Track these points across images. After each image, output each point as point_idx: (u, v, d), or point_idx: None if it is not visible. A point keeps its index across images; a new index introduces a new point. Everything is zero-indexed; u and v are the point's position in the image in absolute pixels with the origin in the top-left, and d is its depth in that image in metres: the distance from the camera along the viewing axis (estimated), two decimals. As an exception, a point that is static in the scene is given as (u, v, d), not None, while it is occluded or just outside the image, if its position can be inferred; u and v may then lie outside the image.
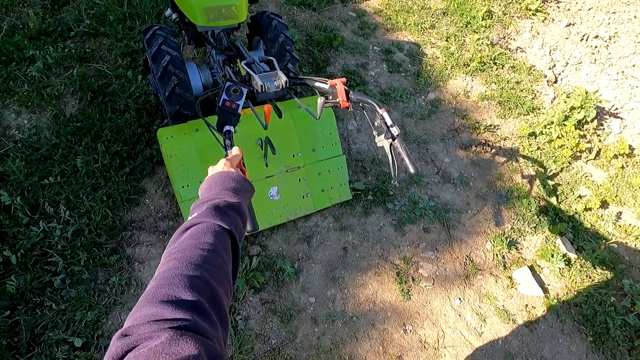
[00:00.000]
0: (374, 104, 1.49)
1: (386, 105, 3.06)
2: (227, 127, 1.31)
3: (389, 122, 1.43)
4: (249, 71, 1.63)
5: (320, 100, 1.57)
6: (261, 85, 1.56)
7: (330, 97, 1.59)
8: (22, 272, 1.86)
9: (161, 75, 2.01)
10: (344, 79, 1.60)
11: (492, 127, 3.06)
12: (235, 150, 1.07)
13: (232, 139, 1.27)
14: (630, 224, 2.59)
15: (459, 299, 2.17)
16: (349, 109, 1.60)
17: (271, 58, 1.77)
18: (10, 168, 2.17)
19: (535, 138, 2.98)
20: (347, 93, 1.57)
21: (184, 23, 2.35)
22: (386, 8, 3.87)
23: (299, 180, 2.25)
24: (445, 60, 3.49)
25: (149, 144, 2.44)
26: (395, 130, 1.42)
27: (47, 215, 2.07)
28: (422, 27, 3.76)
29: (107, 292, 1.94)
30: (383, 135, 1.45)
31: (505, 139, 2.99)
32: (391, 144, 1.43)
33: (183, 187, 2.01)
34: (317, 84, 1.67)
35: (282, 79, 1.61)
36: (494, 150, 2.89)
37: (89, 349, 1.77)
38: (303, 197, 2.27)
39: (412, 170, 1.38)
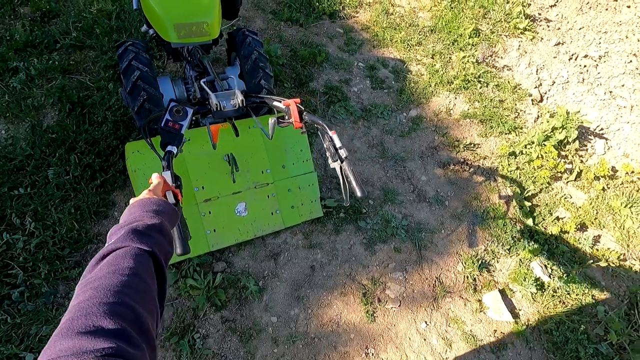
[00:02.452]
0: (324, 125, 1.47)
1: (368, 122, 3.05)
2: (169, 148, 1.30)
3: (338, 144, 1.41)
4: (206, 89, 1.62)
5: (271, 120, 1.56)
6: (216, 104, 1.55)
7: (286, 117, 1.58)
8: (-20, 284, 1.84)
9: (130, 89, 2.02)
10: (298, 100, 1.58)
11: (472, 145, 3.02)
12: (154, 178, 1.05)
13: (171, 160, 1.26)
14: (608, 248, 2.52)
15: (425, 322, 2.12)
16: (302, 129, 1.58)
17: (231, 77, 1.76)
18: (-19, 178, 2.18)
19: (515, 158, 2.94)
20: (300, 114, 1.55)
21: (160, 39, 2.37)
22: (374, 25, 3.89)
23: (268, 196, 2.23)
24: (430, 78, 3.48)
25: (122, 156, 2.44)
26: (343, 153, 1.39)
27: (13, 226, 2.07)
28: (408, 44, 3.76)
29: (66, 306, 1.91)
30: (331, 155, 1.43)
31: (484, 158, 2.95)
32: (340, 167, 1.40)
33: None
34: (275, 103, 1.66)
35: (239, 98, 1.60)
36: (472, 170, 2.85)
37: (41, 364, 1.74)
38: (272, 213, 2.24)
39: (358, 194, 1.36)
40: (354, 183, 1.35)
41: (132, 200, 0.97)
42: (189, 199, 2.05)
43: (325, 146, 1.46)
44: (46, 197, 2.19)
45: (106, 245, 0.78)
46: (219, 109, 1.57)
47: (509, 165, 2.87)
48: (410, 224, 2.50)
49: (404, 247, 2.39)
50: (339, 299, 2.14)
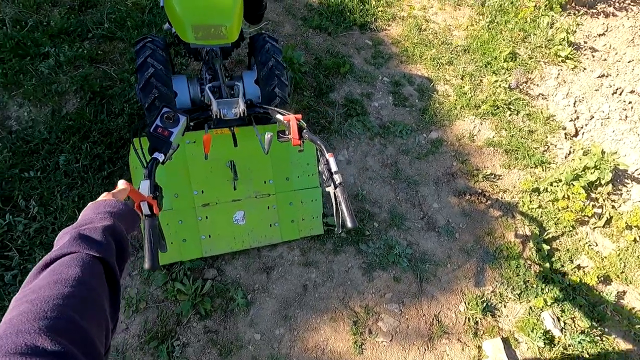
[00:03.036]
0: (322, 146, 1.38)
1: (385, 140, 2.93)
2: (155, 154, 1.25)
3: (334, 169, 1.32)
4: (209, 95, 1.57)
5: (268, 135, 1.49)
6: (216, 112, 1.50)
7: (286, 132, 1.51)
8: (-23, 262, 1.87)
9: (143, 86, 2.01)
10: (299, 116, 1.50)
11: (493, 176, 2.83)
12: (121, 184, 0.99)
13: (155, 169, 1.21)
14: (633, 307, 2.27)
15: (417, 362, 1.97)
16: (300, 147, 1.50)
17: (237, 84, 1.71)
18: (-4, 157, 2.24)
19: (539, 195, 2.73)
20: (300, 130, 1.47)
21: (180, 38, 2.36)
22: (404, 39, 3.77)
23: (268, 207, 2.16)
24: (456, 100, 3.32)
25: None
26: (337, 178, 1.30)
27: (18, 208, 2.10)
28: (438, 62, 3.61)
29: (54, 295, 1.91)
30: (326, 179, 1.34)
31: (504, 192, 2.76)
32: (334, 192, 1.31)
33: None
34: (277, 115, 1.59)
35: (241, 107, 1.54)
36: (489, 202, 2.67)
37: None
38: (270, 225, 2.17)
39: (349, 224, 1.26)
40: (345, 212, 1.26)
41: (89, 204, 0.91)
42: (187, 201, 2.01)
43: (319, 169, 1.37)
44: (54, 183, 2.22)
45: (51, 251, 0.70)
46: (219, 116, 1.52)
47: (530, 202, 2.67)
48: (414, 253, 2.36)
49: (404, 277, 2.26)
50: (328, 324, 2.04)
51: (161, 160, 1.25)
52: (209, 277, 2.07)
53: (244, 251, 2.17)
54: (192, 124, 1.53)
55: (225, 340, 1.91)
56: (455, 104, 3.28)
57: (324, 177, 1.35)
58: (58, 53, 2.81)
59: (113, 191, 0.96)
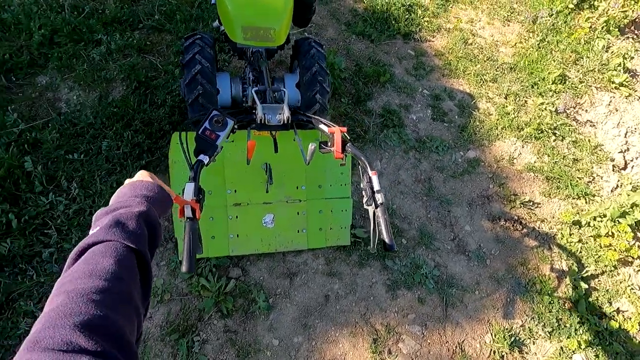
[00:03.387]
0: (366, 164, 1.34)
1: (420, 155, 2.85)
2: (201, 157, 1.25)
3: (376, 187, 1.28)
4: (255, 99, 1.57)
5: (311, 146, 1.46)
6: (261, 117, 1.49)
7: (329, 144, 1.48)
8: (19, 237, 1.95)
9: (189, 82, 2.04)
10: (345, 129, 1.47)
11: (531, 204, 2.70)
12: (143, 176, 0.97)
13: (199, 171, 1.21)
14: (675, 362, 2.11)
15: (435, 390, 1.90)
16: (343, 161, 1.47)
17: (283, 89, 1.70)
18: (45, 137, 2.33)
19: (580, 228, 2.58)
20: (344, 144, 1.44)
21: (228, 36, 2.38)
22: (449, 52, 3.67)
23: (298, 213, 2.14)
24: (498, 119, 3.19)
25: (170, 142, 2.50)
26: (379, 198, 1.26)
27: (60, 188, 2.18)
28: (482, 79, 3.49)
29: (86, 277, 1.97)
30: (367, 198, 1.30)
31: (542, 221, 2.63)
32: (374, 211, 1.27)
33: (179, 194, 1.99)
34: (321, 125, 1.56)
35: (285, 114, 1.53)
36: (525, 231, 2.55)
37: (50, 327, 1.80)
38: (298, 231, 2.16)
39: (387, 246, 1.21)
40: (384, 233, 1.22)
41: (126, 181, 0.91)
42: (220, 199, 2.02)
43: (362, 185, 1.33)
44: (95, 167, 2.29)
45: (90, 232, 0.72)
46: (263, 121, 1.51)
47: (570, 235, 2.53)
48: (441, 275, 2.28)
49: (429, 299, 2.18)
50: (347, 339, 2.00)
51: (206, 163, 1.26)
52: (233, 276, 2.08)
53: (269, 254, 2.17)
54: (236, 126, 1.53)
55: (243, 341, 1.91)
56: (496, 123, 3.16)
57: (364, 195, 1.31)
58: (110, 41, 2.90)
59: (152, 174, 0.95)
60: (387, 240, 1.20)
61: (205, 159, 1.25)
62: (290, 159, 2.11)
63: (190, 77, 2.03)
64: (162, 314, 1.93)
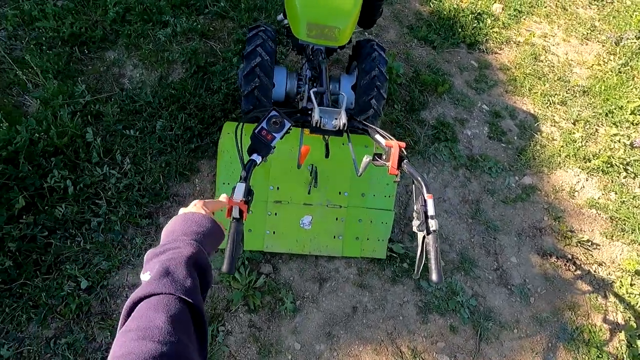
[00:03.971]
0: (423, 185, 1.25)
1: (470, 174, 2.69)
2: (254, 156, 1.22)
3: (431, 212, 1.19)
4: (313, 101, 1.52)
5: (366, 158, 1.39)
6: (317, 120, 1.44)
7: (383, 157, 1.40)
8: (73, 203, 2.06)
9: (247, 74, 2.03)
10: (404, 144, 1.38)
11: (589, 244, 2.46)
12: (222, 198, 0.97)
13: (252, 171, 1.18)
14: None
15: None
16: (397, 177, 1.38)
17: (342, 94, 1.63)
18: (107, 110, 2.44)
19: (643, 280, 2.32)
20: (400, 160, 1.35)
21: (291, 31, 2.35)
22: (515, 67, 3.42)
23: (336, 219, 2.09)
24: (562, 146, 2.93)
25: (220, 129, 2.52)
26: (433, 224, 1.17)
27: (114, 162, 2.27)
28: (549, 100, 3.22)
29: (127, 250, 2.04)
30: (419, 223, 1.21)
31: (600, 265, 2.39)
32: (424, 237, 1.18)
33: (223, 183, 2.01)
34: (377, 137, 1.48)
35: (342, 120, 1.46)
36: (579, 272, 2.33)
37: (90, 293, 1.89)
38: (334, 237, 2.10)
39: (434, 278, 1.13)
40: (432, 263, 1.13)
41: (180, 211, 0.90)
42: (261, 194, 2.01)
43: (415, 208, 1.25)
44: (148, 145, 2.37)
45: (142, 276, 0.72)
46: (319, 125, 1.47)
47: (631, 285, 2.27)
48: (478, 306, 2.14)
49: (462, 329, 2.06)
50: (370, 355, 1.93)
51: (258, 162, 1.23)
52: (264, 272, 2.07)
53: (302, 255, 2.13)
54: (291, 127, 1.50)
55: (266, 339, 1.89)
56: (559, 150, 2.91)
57: (416, 218, 1.23)
58: (176, 23, 2.97)
59: (206, 200, 0.93)
60: (434, 272, 1.11)
61: (258, 158, 1.22)
62: (337, 163, 2.05)
63: (249, 69, 2.02)
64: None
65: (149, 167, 2.29)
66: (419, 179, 1.27)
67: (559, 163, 2.83)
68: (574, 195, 2.69)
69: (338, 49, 2.57)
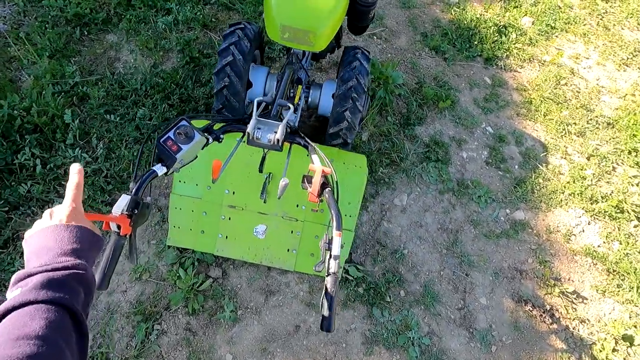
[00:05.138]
0: (334, 220, 1.13)
1: (456, 200, 2.49)
2: (157, 167, 1.15)
3: (335, 252, 1.07)
4: (254, 110, 1.43)
5: (283, 181, 1.28)
6: (249, 133, 1.35)
7: (312, 181, 1.29)
8: (40, 181, 2.10)
9: (217, 71, 1.98)
10: (329, 171, 1.26)
11: (575, 296, 2.21)
12: (74, 169, 0.81)
13: (145, 184, 1.10)
14: None
15: None
16: (316, 206, 1.27)
17: (289, 105, 1.52)
18: (94, 93, 2.47)
19: (630, 346, 2.04)
20: (323, 187, 1.23)
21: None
22: (534, 89, 3.12)
23: (292, 232, 1.99)
24: (569, 182, 2.65)
25: (199, 123, 2.49)
26: (332, 266, 1.05)
27: (89, 145, 2.30)
28: (565, 129, 2.92)
29: (84, 234, 2.06)
30: (320, 261, 1.10)
31: (582, 322, 2.13)
32: (325, 280, 1.07)
33: (180, 181, 1.97)
34: (313, 156, 1.37)
35: (277, 135, 1.36)
36: (555, 326, 2.09)
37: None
38: (288, 250, 2.01)
39: (324, 328, 1.01)
40: (325, 309, 1.01)
41: (38, 224, 0.76)
42: (216, 196, 1.96)
43: (319, 243, 1.13)
44: (125, 132, 2.38)
45: (8, 294, 0.64)
46: (251, 137, 1.37)
47: (613, 351, 2.01)
48: (431, 345, 1.98)
49: (407, 368, 1.91)
50: (301, 379, 1.84)
51: (159, 174, 1.16)
52: (212, 276, 2.02)
53: (255, 264, 2.06)
54: (222, 137, 1.41)
55: (199, 346, 1.85)
56: (564, 187, 2.62)
57: (321, 254, 1.11)
58: (179, 12, 2.96)
59: (74, 201, 0.79)
60: (324, 320, 1.00)
61: (160, 170, 1.15)
62: (296, 173, 1.95)
63: (220, 67, 1.96)
64: (136, 292, 1.95)
65: (123, 154, 2.30)
66: (333, 212, 1.15)
67: (561, 201, 2.56)
68: (569, 239, 2.42)
69: (325, 53, 2.46)
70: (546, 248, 2.36)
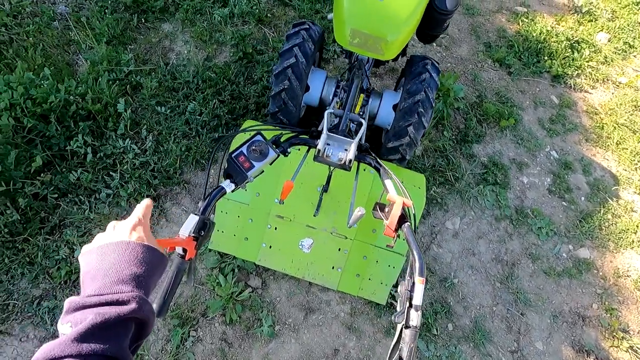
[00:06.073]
0: (417, 264, 0.99)
1: (514, 229, 2.29)
2: (226, 183, 1.05)
3: (417, 302, 0.93)
4: (325, 124, 1.30)
5: (358, 211, 1.15)
6: (320, 150, 1.23)
7: (386, 210, 1.15)
8: (89, 170, 2.08)
9: (278, 73, 1.87)
10: (410, 203, 1.12)
11: (645, 352, 1.97)
12: (142, 206, 0.76)
13: (215, 201, 1.00)
14: None
15: None
16: (392, 242, 1.13)
17: (362, 120, 1.39)
18: (146, 83, 2.43)
19: None
20: (401, 220, 1.09)
21: (339, 32, 2.11)
22: (606, 113, 2.84)
23: (339, 249, 1.87)
24: (642, 222, 2.38)
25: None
26: (414, 318, 0.91)
27: (139, 136, 2.26)
28: (641, 161, 2.63)
29: (127, 228, 2.02)
30: (399, 311, 0.97)
31: (652, 383, 1.90)
32: (402, 329, 0.94)
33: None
34: (386, 182, 1.23)
35: (350, 154, 1.23)
36: (620, 385, 1.87)
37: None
38: (333, 267, 1.89)
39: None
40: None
41: (100, 238, 0.69)
42: (264, 204, 1.86)
43: (399, 289, 1.00)
44: (174, 125, 2.32)
45: (59, 326, 0.58)
46: (321, 154, 1.25)
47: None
48: (480, 389, 1.81)
49: (452, 411, 1.76)
50: (337, 408, 1.72)
51: (228, 191, 1.06)
52: (251, 285, 1.93)
53: (295, 277, 1.96)
54: (289, 150, 1.30)
55: (233, 358, 1.77)
56: (637, 226, 2.36)
57: (398, 303, 0.98)
58: (235, 4, 2.87)
59: (141, 214, 0.73)
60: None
61: (229, 187, 1.05)
62: (351, 190, 1.82)
63: (281, 69, 1.86)
64: (175, 293, 1.89)
65: (170, 148, 2.24)
66: (415, 254, 1.01)
67: (632, 242, 2.30)
68: (639, 287, 2.17)
69: (391, 60, 2.30)
70: (613, 294, 2.13)
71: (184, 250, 0.90)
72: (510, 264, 2.16)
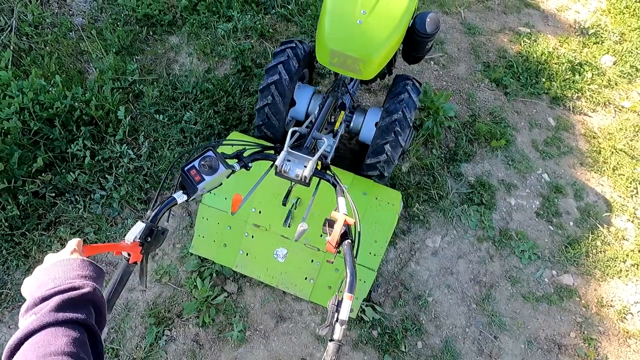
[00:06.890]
0: (348, 280, 1.03)
1: (495, 251, 2.27)
2: (178, 194, 1.12)
3: (343, 316, 0.97)
4: (287, 140, 1.36)
5: (301, 226, 1.20)
6: (278, 165, 1.29)
7: (327, 225, 1.19)
8: (86, 172, 2.21)
9: (262, 89, 1.96)
10: (352, 222, 1.16)
11: (623, 387, 1.90)
12: (72, 244, 0.86)
13: (164, 212, 1.08)
14: None
15: None
16: (332, 257, 1.17)
17: (322, 139, 1.44)
18: (148, 92, 2.57)
19: None
20: (342, 238, 1.14)
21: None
22: (605, 138, 2.78)
23: (312, 261, 1.91)
24: (632, 251, 2.31)
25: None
26: (338, 331, 0.95)
27: (136, 142, 2.39)
28: (638, 188, 2.56)
29: (117, 228, 2.14)
30: (326, 324, 1.00)
31: (627, 419, 1.83)
32: (328, 343, 0.97)
33: (209, 192, 1.96)
34: (339, 198, 1.28)
35: (306, 171, 1.28)
36: (592, 419, 1.81)
37: (72, 259, 2.02)
38: (305, 278, 1.93)
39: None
40: (323, 381, 0.92)
41: (49, 258, 0.78)
42: (242, 213, 1.93)
43: (329, 303, 1.03)
44: (170, 133, 2.44)
45: (21, 323, 0.64)
46: (279, 170, 1.31)
47: None
48: (444, 410, 1.80)
49: None
50: (299, 417, 1.75)
51: (179, 202, 1.13)
52: (227, 290, 2.00)
53: (271, 285, 2.01)
54: (251, 165, 1.37)
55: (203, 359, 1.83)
56: (626, 255, 2.29)
57: (328, 316, 1.02)
58: (239, 20, 3.00)
59: (75, 245, 0.83)
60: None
61: (181, 198, 1.12)
62: (327, 203, 1.86)
63: (265, 85, 1.94)
64: (154, 293, 1.98)
65: (164, 154, 2.36)
66: (348, 270, 1.05)
67: (620, 270, 2.23)
68: (624, 318, 2.09)
69: (375, 79, 2.35)
70: (594, 323, 2.07)
71: (129, 254, 0.97)
72: (488, 286, 2.14)
